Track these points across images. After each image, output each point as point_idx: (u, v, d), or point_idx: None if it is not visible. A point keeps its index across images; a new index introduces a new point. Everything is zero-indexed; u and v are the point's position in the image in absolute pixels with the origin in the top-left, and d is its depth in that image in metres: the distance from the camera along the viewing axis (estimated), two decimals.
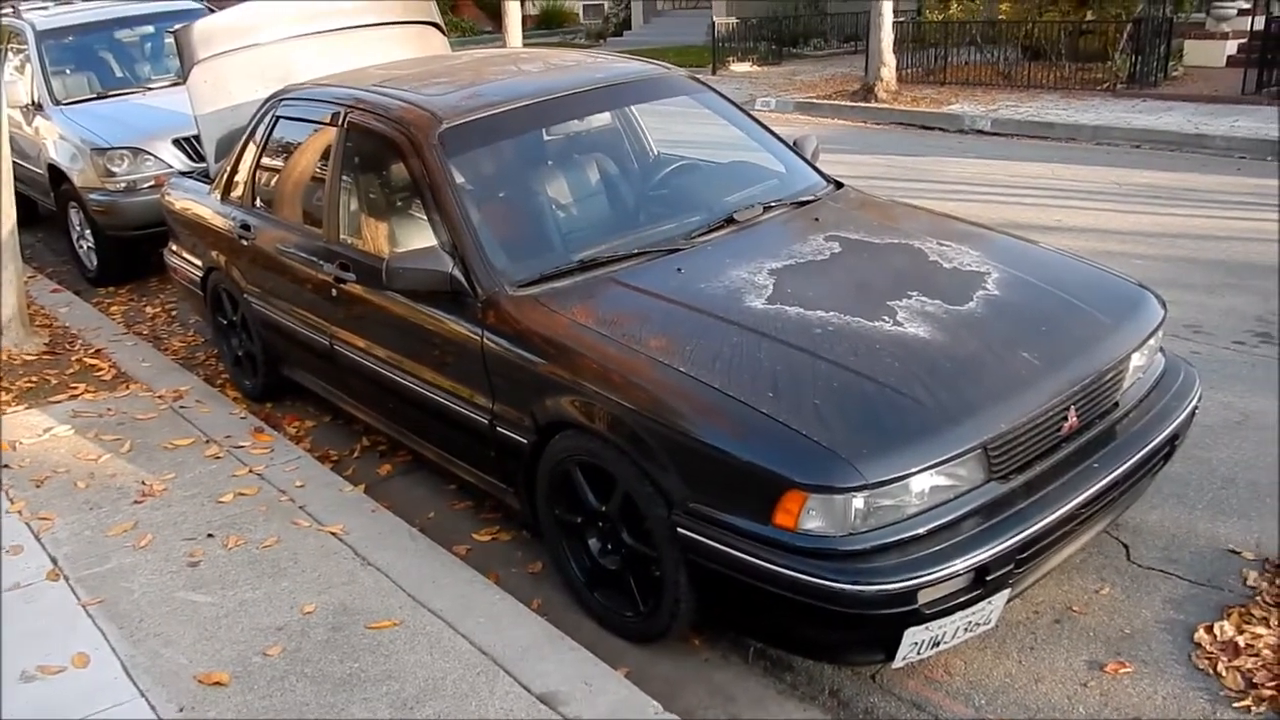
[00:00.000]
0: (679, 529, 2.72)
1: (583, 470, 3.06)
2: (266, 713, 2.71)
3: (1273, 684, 2.75)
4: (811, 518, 2.49)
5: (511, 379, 3.23)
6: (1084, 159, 9.61)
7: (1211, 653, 2.90)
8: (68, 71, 7.99)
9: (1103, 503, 2.89)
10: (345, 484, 4.03)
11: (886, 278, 3.29)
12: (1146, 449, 3.00)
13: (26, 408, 4.94)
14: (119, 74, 8.21)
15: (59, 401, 5.00)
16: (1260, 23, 12.19)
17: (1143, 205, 7.76)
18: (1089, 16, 14.00)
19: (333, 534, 3.58)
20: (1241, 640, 2.93)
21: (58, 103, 7.64)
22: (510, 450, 3.29)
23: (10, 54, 7.89)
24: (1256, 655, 2.87)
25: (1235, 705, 2.71)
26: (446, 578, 3.27)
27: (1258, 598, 3.12)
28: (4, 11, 8.05)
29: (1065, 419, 2.83)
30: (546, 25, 27.16)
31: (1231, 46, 13.67)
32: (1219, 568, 3.29)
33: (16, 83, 7.65)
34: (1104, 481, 2.83)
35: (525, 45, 13.62)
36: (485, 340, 3.27)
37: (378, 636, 2.97)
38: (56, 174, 7.46)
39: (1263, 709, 2.68)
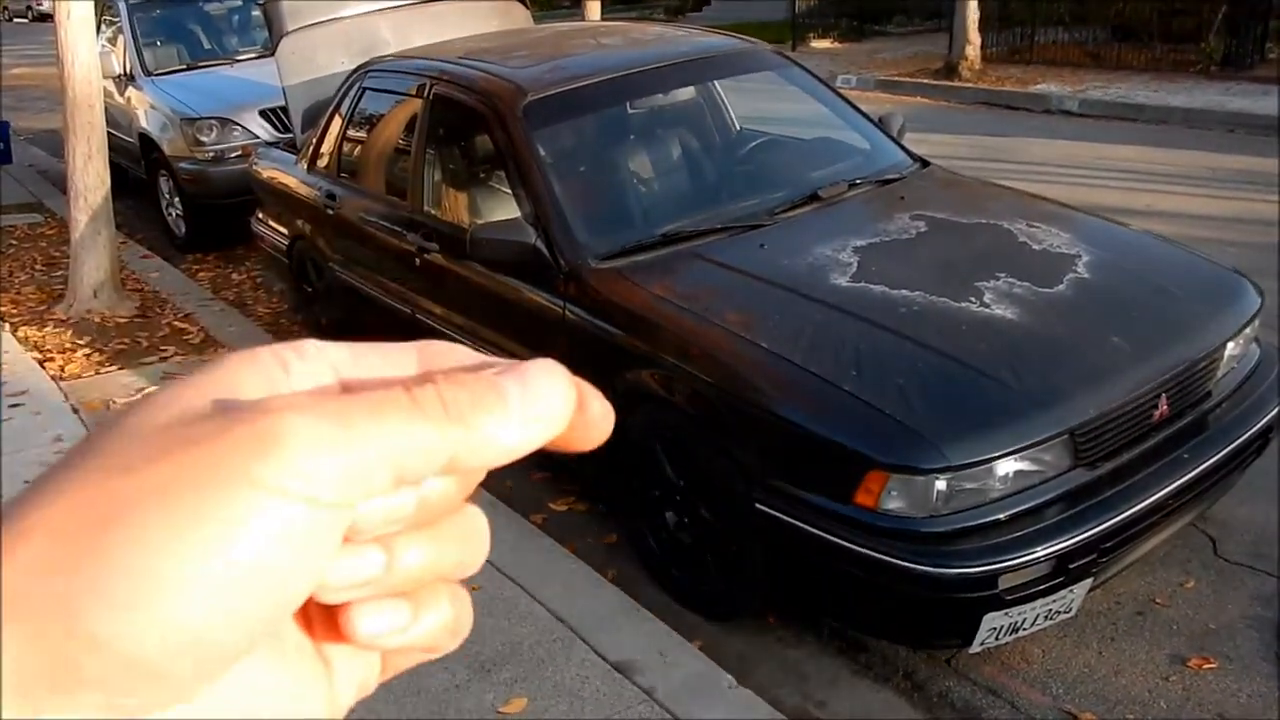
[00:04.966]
0: (757, 505, 2.72)
1: (661, 444, 3.08)
2: None
3: None
4: (893, 498, 2.48)
5: (592, 351, 3.25)
6: (1175, 142, 9.32)
7: None
8: (158, 43, 8.18)
9: (1191, 494, 2.83)
10: None
11: (973, 258, 3.24)
12: (1239, 441, 2.92)
13: (119, 368, 5.11)
14: (207, 46, 8.39)
15: (150, 363, 5.16)
16: None
17: (1236, 191, 7.51)
18: None
19: None
20: None
21: (149, 73, 7.83)
22: None
23: (104, 26, 8.11)
24: None
25: None
26: (524, 546, 3.32)
27: None
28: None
29: (1156, 407, 2.76)
30: (624, 0, 27.07)
31: None
32: None
33: (109, 54, 7.85)
34: (1193, 473, 2.77)
35: (604, 20, 13.60)
36: (566, 312, 3.29)
37: None
38: (147, 143, 7.66)
39: None
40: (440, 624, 0.32)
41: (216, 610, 0.26)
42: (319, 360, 0.30)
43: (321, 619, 0.31)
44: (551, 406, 0.30)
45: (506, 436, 0.29)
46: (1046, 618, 2.64)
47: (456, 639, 0.33)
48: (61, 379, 4.93)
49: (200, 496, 0.26)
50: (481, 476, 0.32)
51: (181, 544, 0.25)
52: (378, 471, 0.27)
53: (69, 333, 5.60)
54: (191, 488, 0.26)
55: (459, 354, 0.32)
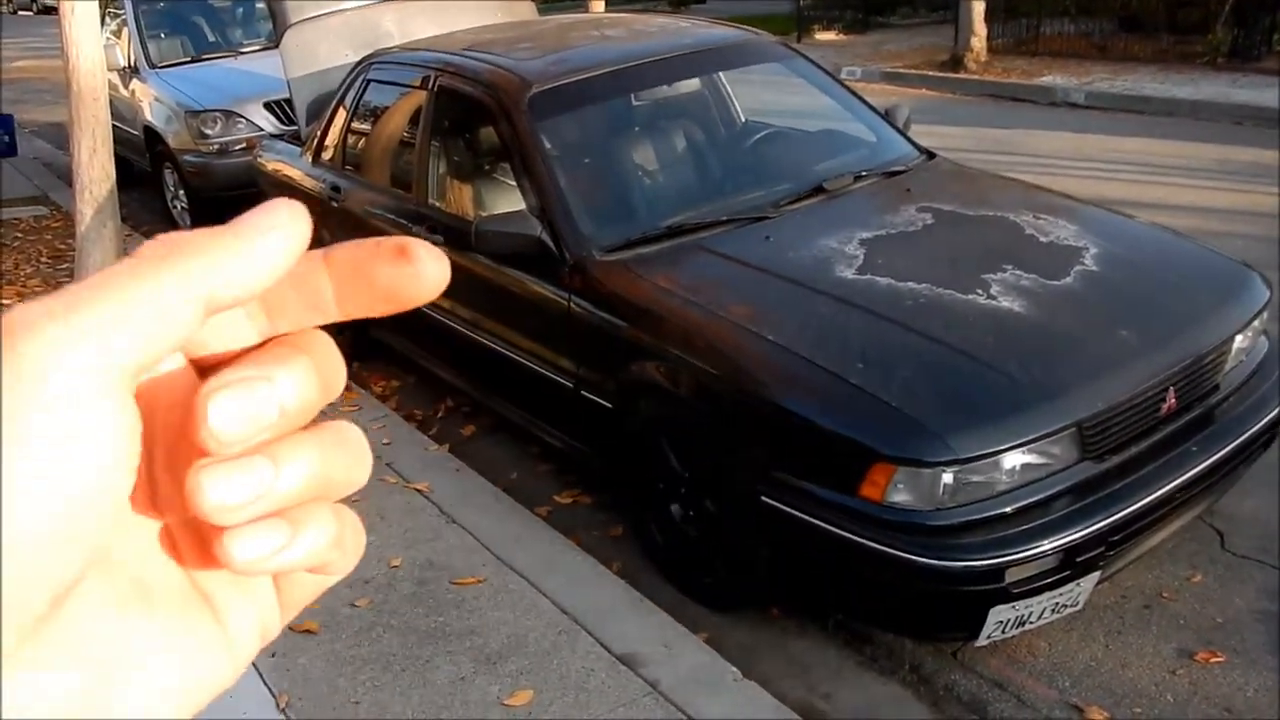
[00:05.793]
0: (762, 498, 2.71)
1: (667, 436, 3.07)
2: (354, 661, 2.79)
3: None
4: (899, 491, 2.47)
5: (596, 343, 3.24)
6: (1182, 135, 9.27)
7: None
8: (163, 36, 8.17)
9: (1199, 488, 2.82)
10: (430, 443, 4.10)
11: (980, 250, 3.22)
12: (1247, 434, 2.91)
13: None
14: (212, 38, 8.38)
15: None
16: None
17: (1244, 183, 7.47)
18: None
19: (419, 491, 3.65)
20: None
21: (153, 66, 7.82)
22: (593, 414, 3.31)
23: (108, 18, 8.10)
24: None
25: None
26: (529, 538, 3.32)
27: None
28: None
29: (1164, 400, 2.75)
30: None
31: None
32: None
33: (114, 47, 7.84)
34: (1201, 466, 2.76)
35: (608, 12, 13.56)
36: (571, 304, 3.29)
37: (462, 592, 3.03)
38: (152, 135, 7.66)
39: None
40: (324, 538, 0.30)
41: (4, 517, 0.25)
42: None
43: (196, 556, 0.30)
44: (277, 216, 0.29)
45: (250, 251, 0.28)
46: (1053, 611, 2.63)
47: (348, 557, 0.32)
48: None
49: None
50: (339, 377, 0.31)
51: None
52: (132, 323, 0.27)
53: None
54: None
55: None
